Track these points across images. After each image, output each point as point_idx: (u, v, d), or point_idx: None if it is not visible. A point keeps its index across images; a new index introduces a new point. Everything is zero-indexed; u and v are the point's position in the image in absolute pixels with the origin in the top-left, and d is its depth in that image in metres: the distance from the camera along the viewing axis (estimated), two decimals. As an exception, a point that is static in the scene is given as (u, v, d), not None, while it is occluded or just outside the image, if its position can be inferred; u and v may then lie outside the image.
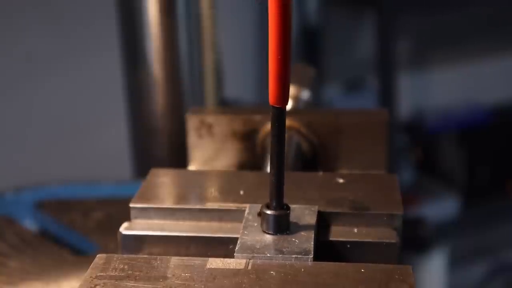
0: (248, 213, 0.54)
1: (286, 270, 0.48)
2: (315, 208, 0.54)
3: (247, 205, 0.55)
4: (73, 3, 1.89)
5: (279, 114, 0.49)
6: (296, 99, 0.85)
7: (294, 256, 0.49)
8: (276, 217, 0.51)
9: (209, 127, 0.72)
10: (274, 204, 0.51)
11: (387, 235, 0.53)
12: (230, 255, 0.50)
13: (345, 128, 0.70)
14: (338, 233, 0.54)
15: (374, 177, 0.62)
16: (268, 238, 0.51)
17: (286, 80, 0.47)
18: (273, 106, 0.48)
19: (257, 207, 0.53)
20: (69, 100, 1.93)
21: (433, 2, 2.39)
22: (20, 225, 0.87)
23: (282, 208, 0.51)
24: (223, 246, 0.53)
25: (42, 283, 0.69)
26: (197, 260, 0.49)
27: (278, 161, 0.50)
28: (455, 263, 2.24)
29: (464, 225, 2.35)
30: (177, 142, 1.00)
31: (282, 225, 0.51)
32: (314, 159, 0.71)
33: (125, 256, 0.51)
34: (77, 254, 0.80)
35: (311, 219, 0.53)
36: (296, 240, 0.51)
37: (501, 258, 2.49)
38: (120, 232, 0.55)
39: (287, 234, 0.51)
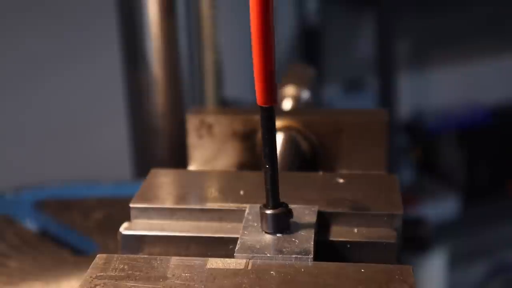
0: (248, 213, 0.54)
1: (286, 270, 0.48)
2: (315, 208, 0.54)
3: (247, 205, 0.55)
4: (73, 3, 1.89)
5: (268, 114, 0.49)
6: (296, 99, 0.85)
7: (294, 256, 0.49)
8: (274, 216, 0.51)
9: (209, 127, 0.72)
10: (270, 203, 0.51)
11: (387, 235, 0.53)
12: (230, 255, 0.50)
13: (345, 128, 0.70)
14: (338, 233, 0.54)
15: (374, 177, 0.62)
16: (268, 238, 0.51)
17: (272, 78, 0.47)
18: (261, 107, 0.48)
19: (257, 207, 0.53)
20: (69, 100, 1.93)
21: (433, 2, 2.39)
22: (20, 225, 0.87)
23: (279, 206, 0.51)
24: (223, 246, 0.53)
25: (42, 283, 0.69)
26: (197, 260, 0.49)
27: (270, 161, 0.50)
28: (455, 263, 2.24)
29: (464, 225, 2.35)
30: (177, 142, 1.00)
31: (281, 224, 0.51)
32: (314, 159, 0.71)
33: (125, 256, 0.51)
34: (77, 254, 0.80)
35: (311, 219, 0.53)
36: (296, 240, 0.51)
37: (501, 258, 2.49)
38: (120, 232, 0.55)
39: (287, 234, 0.51)
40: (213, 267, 0.48)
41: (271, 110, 0.49)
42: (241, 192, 0.58)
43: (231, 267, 0.48)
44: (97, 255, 0.51)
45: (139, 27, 0.99)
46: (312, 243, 0.50)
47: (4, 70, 1.86)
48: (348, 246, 0.53)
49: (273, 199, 0.51)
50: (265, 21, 0.45)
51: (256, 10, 0.44)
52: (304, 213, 0.53)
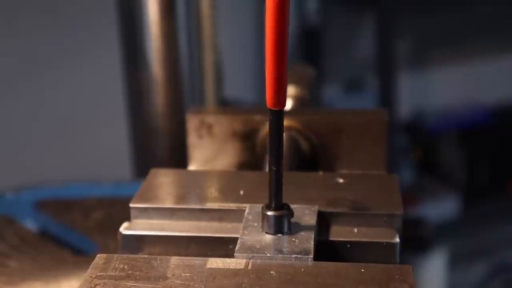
0: (248, 213, 0.54)
1: (286, 270, 0.48)
2: (315, 208, 0.54)
3: (247, 205, 0.55)
4: (73, 3, 1.89)
5: (277, 117, 0.49)
6: (296, 99, 0.85)
7: (294, 256, 0.49)
8: (276, 218, 0.51)
9: (209, 127, 0.72)
10: (273, 205, 0.51)
11: (387, 235, 0.53)
12: (230, 255, 0.50)
13: (345, 128, 0.70)
14: (338, 233, 0.54)
15: (374, 177, 0.62)
16: (268, 238, 0.51)
17: (283, 83, 0.47)
18: (270, 109, 0.48)
19: (257, 207, 0.53)
20: (69, 100, 1.93)
21: (433, 2, 2.39)
22: (20, 225, 0.87)
23: (282, 208, 0.51)
24: (223, 246, 0.53)
25: (42, 283, 0.69)
26: (197, 260, 0.49)
27: (276, 162, 0.50)
28: (455, 263, 2.24)
29: (464, 225, 2.35)
30: (177, 142, 1.00)
31: (282, 226, 0.51)
32: (314, 159, 0.71)
33: (125, 256, 0.51)
34: (77, 254, 0.80)
35: (311, 219, 0.53)
36: (296, 240, 0.51)
37: (501, 258, 2.49)
38: (120, 232, 0.55)
39: (287, 234, 0.51)
40: (213, 267, 0.48)
41: (280, 113, 0.49)
42: (241, 192, 0.58)
43: (231, 267, 0.48)
44: (97, 255, 0.51)
45: (139, 27, 0.99)
46: (312, 243, 0.50)
47: (3, 70, 1.86)
48: (348, 246, 0.53)
49: (276, 200, 0.51)
50: (281, 26, 0.45)
51: (272, 15, 0.45)
52: (304, 213, 0.53)
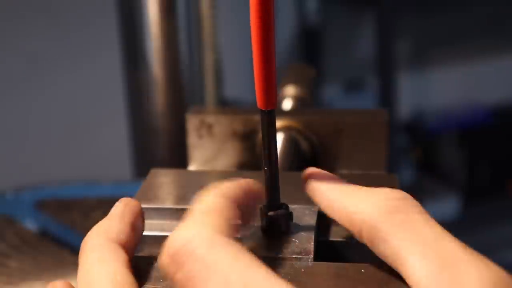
0: (248, 213, 0.54)
1: (286, 270, 0.48)
2: (315, 208, 0.54)
3: (247, 205, 0.55)
4: (73, 3, 1.89)
5: (269, 117, 0.49)
6: (296, 99, 0.85)
7: (294, 256, 0.49)
8: (273, 218, 0.51)
9: (209, 127, 0.72)
10: (271, 205, 0.51)
11: (387, 235, 0.53)
12: (230, 255, 0.50)
13: (345, 128, 0.70)
14: (338, 233, 0.53)
15: (374, 177, 0.61)
16: (268, 238, 0.51)
17: (273, 82, 0.46)
18: (261, 110, 0.48)
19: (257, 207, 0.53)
20: (69, 100, 1.93)
21: (433, 2, 2.40)
22: (20, 225, 0.87)
23: (280, 208, 0.51)
24: (223, 246, 0.53)
25: (42, 283, 0.69)
26: (197, 260, 0.49)
27: (270, 162, 0.50)
28: (455, 263, 2.24)
29: (464, 225, 2.35)
30: (177, 142, 1.00)
31: (281, 226, 0.51)
32: (314, 159, 0.71)
33: (125, 256, 0.51)
34: (77, 254, 0.80)
35: (311, 219, 0.53)
36: (296, 240, 0.50)
37: (501, 258, 2.48)
38: (120, 232, 0.55)
39: (287, 234, 0.51)
40: (213, 267, 0.48)
41: (271, 113, 0.48)
42: (241, 192, 0.58)
43: (231, 267, 0.48)
44: (97, 255, 0.50)
45: (139, 27, 0.99)
46: (312, 243, 0.50)
47: (3, 70, 1.86)
48: (348, 246, 0.53)
49: (273, 200, 0.51)
50: (266, 24, 0.44)
51: (256, 15, 0.44)
52: (304, 213, 0.53)
